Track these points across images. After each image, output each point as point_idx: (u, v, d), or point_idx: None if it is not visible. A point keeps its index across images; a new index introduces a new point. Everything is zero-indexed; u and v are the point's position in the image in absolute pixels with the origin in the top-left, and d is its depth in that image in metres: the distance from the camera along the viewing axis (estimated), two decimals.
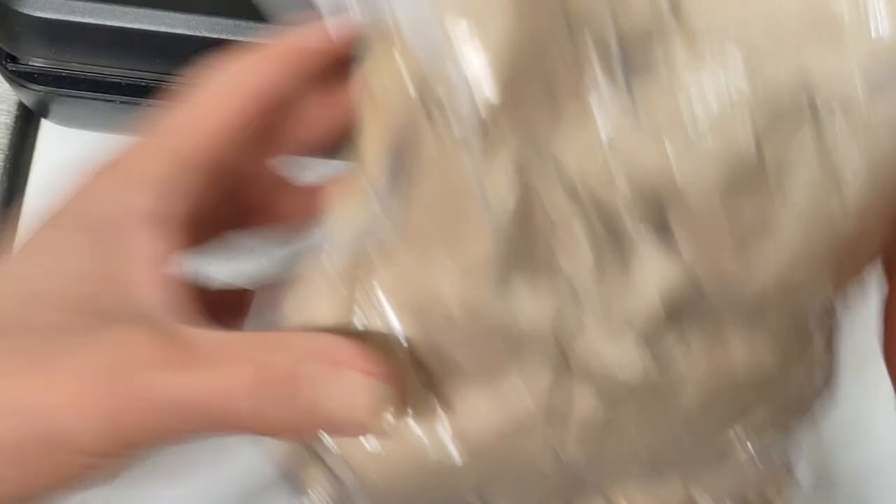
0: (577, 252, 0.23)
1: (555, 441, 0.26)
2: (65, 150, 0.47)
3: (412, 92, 0.22)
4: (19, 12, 0.38)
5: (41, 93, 0.42)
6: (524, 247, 0.23)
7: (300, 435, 0.25)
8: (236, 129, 0.25)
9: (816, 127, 0.21)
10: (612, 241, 0.23)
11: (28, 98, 0.44)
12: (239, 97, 0.25)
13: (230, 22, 0.38)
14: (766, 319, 0.25)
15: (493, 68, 0.20)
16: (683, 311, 0.24)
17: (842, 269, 0.24)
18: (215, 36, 0.38)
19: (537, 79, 0.21)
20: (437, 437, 0.26)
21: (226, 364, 0.22)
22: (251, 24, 0.38)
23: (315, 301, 0.25)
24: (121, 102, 0.42)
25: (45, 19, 0.38)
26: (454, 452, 0.26)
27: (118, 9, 0.38)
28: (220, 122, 0.25)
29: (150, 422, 0.22)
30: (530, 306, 0.24)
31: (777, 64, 0.21)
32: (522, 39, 0.21)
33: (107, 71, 0.41)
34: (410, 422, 0.25)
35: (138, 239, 0.23)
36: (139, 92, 0.41)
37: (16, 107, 0.47)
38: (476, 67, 0.20)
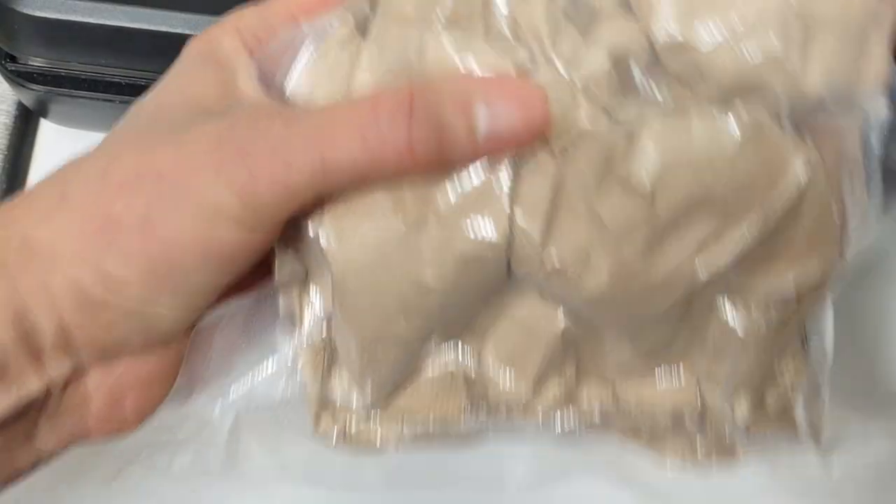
0: (531, 23, 0.25)
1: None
2: (64, 150, 0.47)
3: None
4: (19, 12, 0.38)
5: (40, 92, 0.42)
6: (477, 8, 0.26)
7: (448, 156, 0.26)
8: None
9: None
10: (571, 13, 0.25)
11: (27, 98, 0.44)
12: None
13: None
14: (734, 105, 0.25)
15: None
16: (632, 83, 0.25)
17: (806, 50, 0.25)
18: None
19: None
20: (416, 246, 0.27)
21: (353, 113, 0.25)
22: None
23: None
24: (120, 102, 0.42)
25: (45, 19, 0.39)
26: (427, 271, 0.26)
27: (118, 8, 0.38)
28: None
29: (291, 179, 0.25)
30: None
31: None
32: None
33: (106, 71, 0.41)
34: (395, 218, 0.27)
35: (238, 61, 0.29)
36: (138, 92, 0.41)
37: (15, 106, 0.47)
38: None
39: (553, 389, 0.30)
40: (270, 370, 0.30)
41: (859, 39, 0.25)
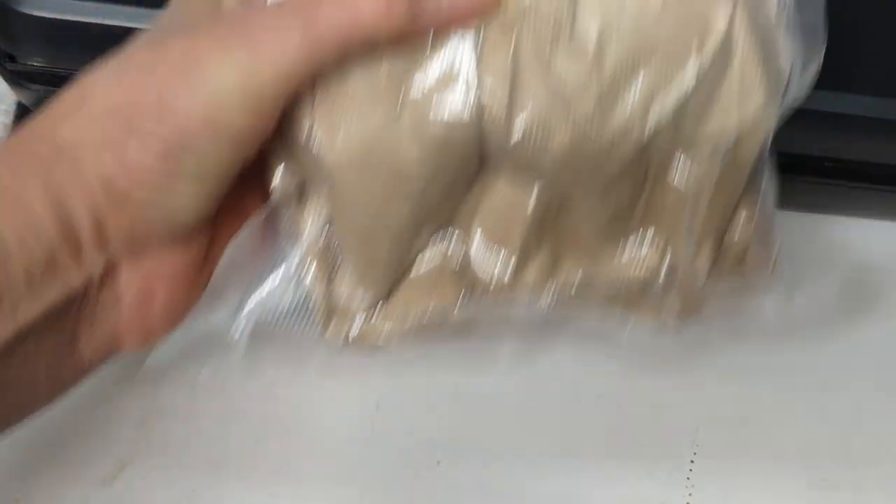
0: None
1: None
2: None
3: None
4: (18, 12, 0.38)
5: (40, 92, 0.42)
6: None
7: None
8: None
9: None
10: None
11: (27, 97, 0.44)
12: None
13: None
14: None
15: None
16: None
17: None
18: None
19: None
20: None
21: None
22: None
23: None
24: None
25: (44, 19, 0.39)
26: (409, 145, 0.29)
27: (117, 8, 0.39)
28: None
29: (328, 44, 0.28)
30: None
31: None
32: None
33: None
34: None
35: None
36: None
37: (15, 106, 0.47)
38: None
39: (534, 266, 0.33)
40: (279, 280, 0.32)
41: None
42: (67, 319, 0.30)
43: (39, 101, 0.44)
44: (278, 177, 0.32)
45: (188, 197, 0.30)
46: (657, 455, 0.44)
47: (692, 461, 0.44)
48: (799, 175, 0.42)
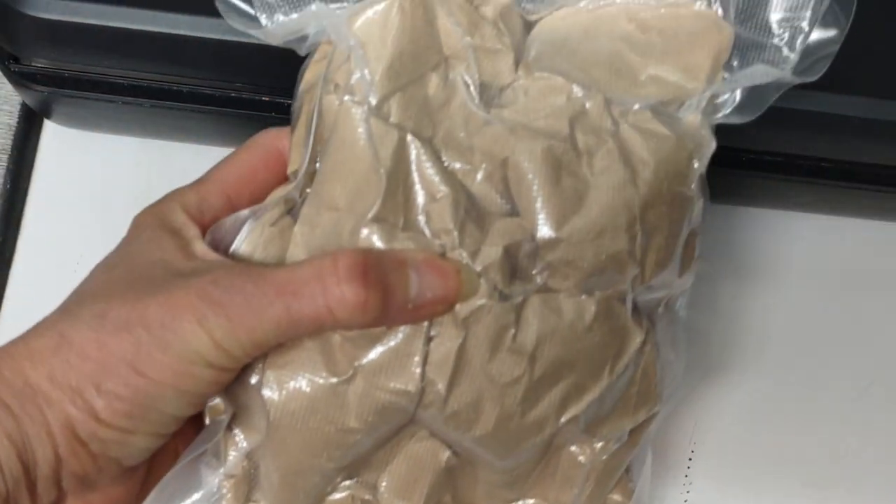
0: (442, 222, 0.31)
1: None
2: (67, 151, 0.47)
3: (322, 78, 0.33)
4: (22, 13, 0.39)
5: (44, 93, 0.43)
6: (400, 205, 0.31)
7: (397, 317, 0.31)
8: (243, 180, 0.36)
9: (616, 131, 0.33)
10: (472, 215, 0.31)
11: (31, 99, 0.44)
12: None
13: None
14: (592, 290, 0.33)
15: (373, 70, 0.32)
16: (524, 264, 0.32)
17: (644, 247, 0.33)
18: (217, 37, 0.38)
19: (416, 85, 0.32)
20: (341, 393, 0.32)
21: (310, 282, 0.30)
22: None
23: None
24: (123, 103, 0.42)
25: (48, 20, 0.39)
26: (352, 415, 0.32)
27: (120, 10, 0.39)
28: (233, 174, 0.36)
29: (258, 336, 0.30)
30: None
31: (589, 95, 0.33)
32: (395, 60, 0.32)
33: (109, 72, 0.41)
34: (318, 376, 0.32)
35: (189, 230, 0.33)
36: (141, 93, 0.42)
37: (18, 107, 0.48)
38: (369, 66, 0.32)
39: None
40: (196, 501, 0.34)
41: (678, 241, 0.34)
42: None
43: (43, 102, 0.44)
44: (211, 407, 0.34)
45: (141, 446, 0.31)
46: (655, 454, 0.44)
47: (690, 459, 0.44)
48: (793, 175, 0.43)
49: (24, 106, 0.47)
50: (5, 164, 0.47)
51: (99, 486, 0.32)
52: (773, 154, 0.42)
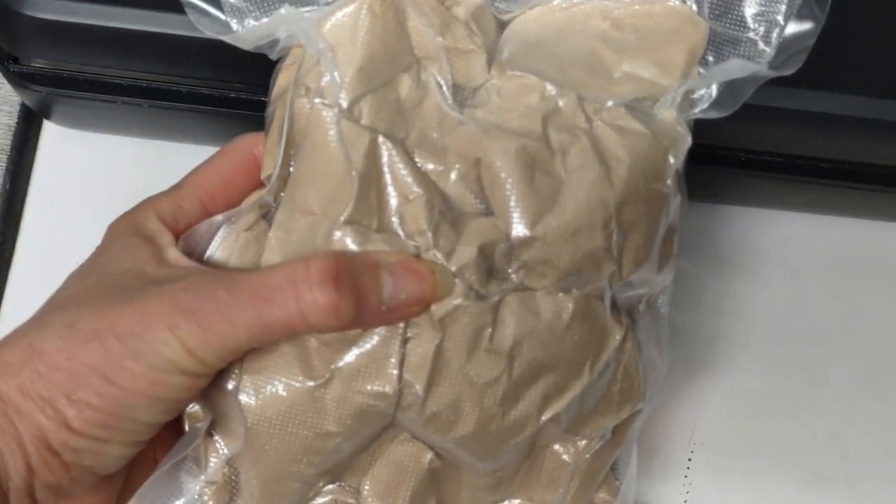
0: (416, 223, 0.31)
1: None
2: (67, 151, 0.48)
3: (295, 81, 0.33)
4: (21, 14, 0.39)
5: (43, 94, 0.43)
6: (373, 207, 0.31)
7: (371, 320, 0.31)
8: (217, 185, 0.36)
9: (590, 129, 0.32)
10: (447, 216, 0.31)
11: (30, 99, 0.44)
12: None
13: None
14: (570, 288, 0.32)
15: (343, 73, 0.32)
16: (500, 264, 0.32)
17: (621, 245, 0.33)
18: (216, 38, 0.38)
19: (388, 87, 0.32)
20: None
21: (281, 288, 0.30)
22: None
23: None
24: (122, 103, 0.42)
25: (47, 21, 0.39)
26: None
27: (119, 10, 0.39)
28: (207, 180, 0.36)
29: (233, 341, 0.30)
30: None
31: (562, 93, 0.33)
32: (365, 62, 0.32)
33: (108, 72, 0.41)
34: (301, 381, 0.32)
35: (162, 237, 0.33)
36: (140, 93, 0.42)
37: (18, 108, 0.48)
38: (339, 68, 0.32)
39: None
40: None
41: (655, 238, 0.34)
42: None
43: (42, 103, 0.44)
44: (189, 414, 0.34)
45: (116, 454, 0.31)
46: (655, 454, 0.44)
47: (689, 459, 0.45)
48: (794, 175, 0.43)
49: (23, 106, 0.47)
50: (5, 165, 0.47)
51: (74, 496, 0.31)
52: (772, 154, 0.42)
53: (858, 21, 0.39)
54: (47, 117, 0.47)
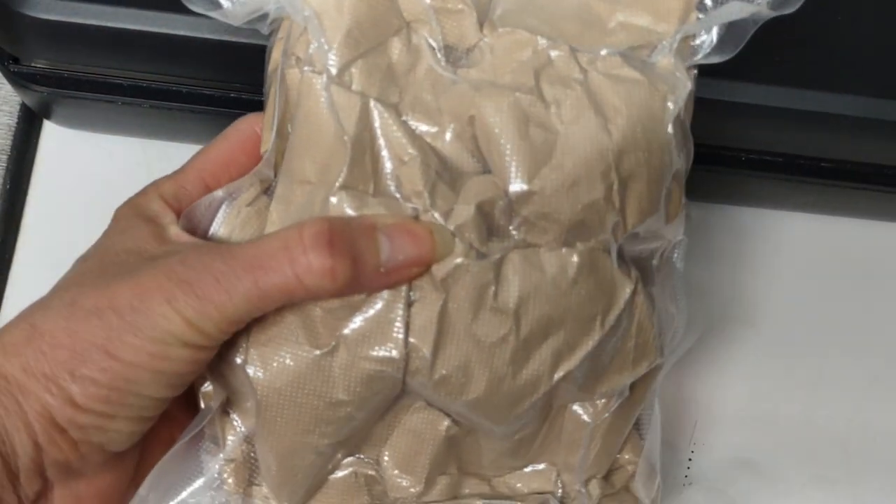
0: (413, 185, 0.31)
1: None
2: (67, 152, 0.48)
3: (284, 52, 0.33)
4: (22, 14, 0.39)
5: (43, 94, 0.43)
6: (368, 172, 0.31)
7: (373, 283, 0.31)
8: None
9: (584, 79, 0.32)
10: (444, 176, 0.31)
11: (30, 99, 0.44)
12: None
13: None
14: (573, 242, 0.32)
15: (330, 39, 0.31)
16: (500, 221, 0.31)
17: (622, 195, 0.32)
18: (216, 37, 0.39)
19: (378, 52, 0.32)
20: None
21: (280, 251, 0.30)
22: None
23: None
24: (123, 104, 0.42)
25: (48, 21, 0.39)
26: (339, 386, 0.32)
27: (120, 11, 0.39)
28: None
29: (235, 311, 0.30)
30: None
31: (554, 45, 0.32)
32: (352, 27, 0.31)
33: (109, 72, 0.41)
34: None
35: (165, 217, 0.34)
36: (141, 93, 0.42)
37: (18, 108, 0.48)
38: (326, 35, 0.32)
39: (440, 486, 0.35)
40: (197, 491, 0.34)
41: (659, 186, 0.33)
42: None
43: (43, 103, 0.44)
44: (203, 392, 0.34)
45: (124, 430, 0.31)
46: None
47: (689, 459, 0.45)
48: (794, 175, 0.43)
49: (23, 106, 0.47)
50: (5, 165, 0.47)
51: (85, 475, 0.32)
52: (771, 154, 0.42)
53: (858, 21, 0.39)
54: (47, 117, 0.47)
